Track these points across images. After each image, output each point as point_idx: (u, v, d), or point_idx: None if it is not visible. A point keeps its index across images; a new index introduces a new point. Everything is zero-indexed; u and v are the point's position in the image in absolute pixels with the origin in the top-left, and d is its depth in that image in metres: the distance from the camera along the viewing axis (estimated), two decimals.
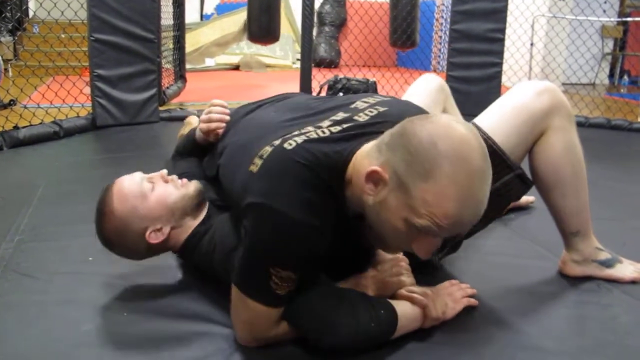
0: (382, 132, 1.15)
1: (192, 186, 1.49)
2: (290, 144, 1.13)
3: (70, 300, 1.46)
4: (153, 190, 1.43)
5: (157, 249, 1.46)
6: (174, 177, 1.49)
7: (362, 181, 1.09)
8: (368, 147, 1.15)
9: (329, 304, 1.21)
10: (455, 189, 1.02)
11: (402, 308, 1.30)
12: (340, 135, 1.18)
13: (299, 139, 1.14)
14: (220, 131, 1.57)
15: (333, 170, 1.12)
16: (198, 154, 1.68)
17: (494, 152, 1.44)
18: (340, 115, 1.26)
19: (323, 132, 1.17)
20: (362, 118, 1.24)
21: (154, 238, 1.42)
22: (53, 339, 1.29)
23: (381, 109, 1.29)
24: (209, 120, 1.58)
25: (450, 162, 1.01)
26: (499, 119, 1.49)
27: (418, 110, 1.35)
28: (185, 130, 2.21)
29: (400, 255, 1.40)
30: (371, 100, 1.35)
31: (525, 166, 1.52)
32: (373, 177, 1.07)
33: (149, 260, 1.64)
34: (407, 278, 1.37)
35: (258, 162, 1.14)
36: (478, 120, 1.52)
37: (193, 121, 2.23)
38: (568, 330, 1.41)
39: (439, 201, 1.02)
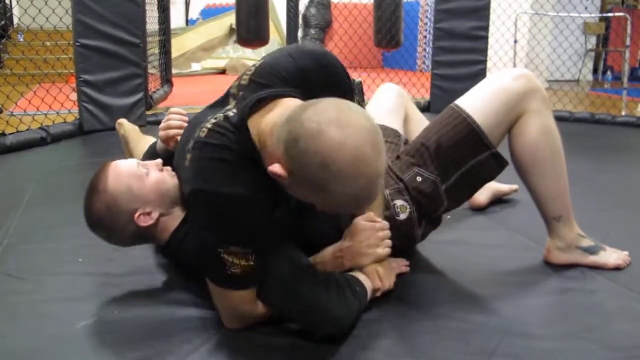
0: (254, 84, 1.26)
1: None
2: (204, 132, 1.21)
3: (61, 300, 1.47)
4: (148, 175, 1.45)
5: (144, 234, 1.46)
6: (168, 167, 1.51)
7: (267, 161, 1.14)
8: (270, 121, 1.16)
9: (321, 296, 1.25)
10: (352, 197, 1.05)
11: (368, 285, 1.39)
12: (235, 110, 1.23)
13: (209, 124, 1.21)
14: (179, 138, 1.57)
15: (241, 142, 1.18)
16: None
17: (473, 130, 1.51)
18: (235, 87, 1.33)
19: (226, 112, 1.23)
20: (244, 81, 1.31)
21: (143, 221, 1.43)
22: (44, 336, 1.30)
23: (257, 65, 1.34)
24: (168, 128, 1.59)
25: (343, 182, 1.02)
26: (478, 101, 1.56)
27: (282, 59, 1.32)
28: (121, 130, 2.36)
29: (378, 225, 1.42)
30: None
31: (505, 154, 1.56)
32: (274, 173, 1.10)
33: (138, 260, 1.66)
34: (383, 250, 1.41)
35: (188, 156, 1.23)
36: (459, 101, 1.58)
37: (124, 122, 2.40)
38: (553, 316, 1.43)
39: (334, 205, 1.09)
